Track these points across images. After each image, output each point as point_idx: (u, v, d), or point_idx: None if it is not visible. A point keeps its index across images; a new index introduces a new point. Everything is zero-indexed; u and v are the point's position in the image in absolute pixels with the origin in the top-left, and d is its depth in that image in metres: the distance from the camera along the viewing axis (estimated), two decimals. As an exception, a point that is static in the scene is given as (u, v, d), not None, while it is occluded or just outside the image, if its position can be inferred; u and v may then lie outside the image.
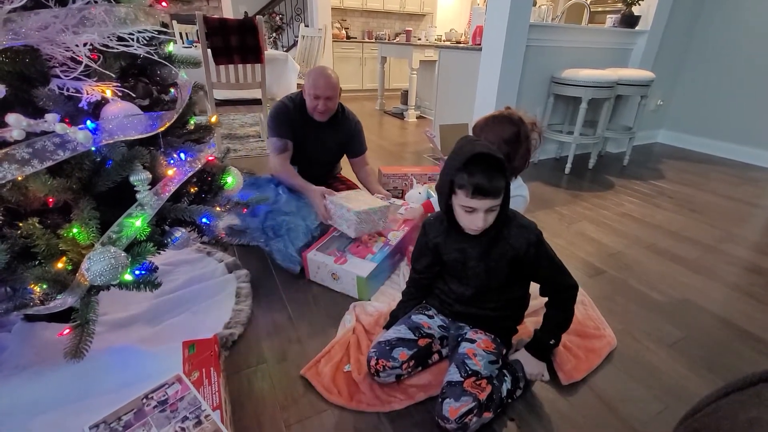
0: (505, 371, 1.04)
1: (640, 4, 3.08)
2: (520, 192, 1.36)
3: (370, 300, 1.44)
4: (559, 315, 1.06)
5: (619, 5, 3.27)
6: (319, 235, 1.60)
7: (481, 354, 1.00)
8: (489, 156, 0.87)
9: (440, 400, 0.93)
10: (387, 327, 1.20)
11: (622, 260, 1.78)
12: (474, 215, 0.92)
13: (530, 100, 2.99)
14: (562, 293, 1.04)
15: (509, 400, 1.02)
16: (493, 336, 1.07)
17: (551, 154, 3.34)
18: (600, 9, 4.65)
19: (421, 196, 2.02)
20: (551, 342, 1.06)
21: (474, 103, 3.00)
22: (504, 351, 1.08)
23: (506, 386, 1.01)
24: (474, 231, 0.95)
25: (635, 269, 1.71)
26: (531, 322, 1.31)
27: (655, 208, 2.38)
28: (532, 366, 1.07)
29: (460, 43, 4.51)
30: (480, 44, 2.95)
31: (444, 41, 4.82)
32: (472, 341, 1.04)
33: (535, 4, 2.86)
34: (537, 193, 2.54)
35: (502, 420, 1.00)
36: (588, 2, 3.53)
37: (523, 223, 1.00)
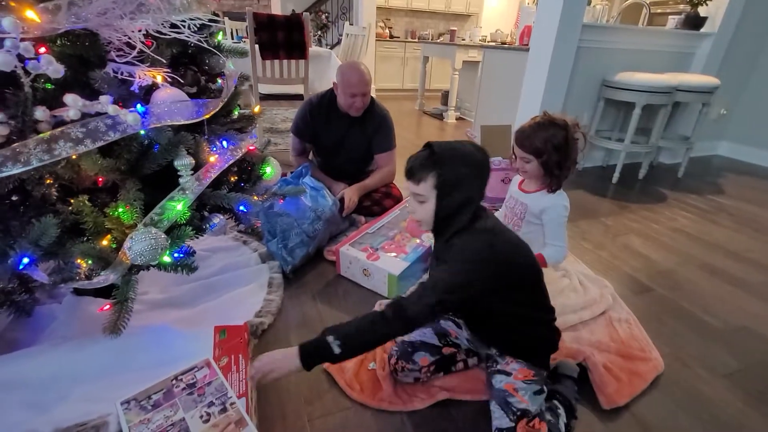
0: (555, 401, 0.94)
1: (707, 5, 2.85)
2: (561, 201, 1.29)
3: None
4: (366, 324, 0.84)
5: (682, 6, 3.05)
6: (314, 237, 1.58)
7: (522, 387, 0.90)
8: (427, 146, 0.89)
9: None
10: None
11: (672, 278, 1.65)
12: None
13: (578, 104, 2.85)
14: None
15: None
16: (528, 362, 0.94)
17: (598, 161, 3.16)
18: (660, 11, 4.37)
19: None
20: (324, 339, 0.82)
21: (517, 105, 2.90)
22: (545, 374, 0.97)
23: (563, 420, 0.91)
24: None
25: (687, 289, 1.58)
26: (571, 338, 1.24)
27: (712, 225, 2.19)
28: None
29: (505, 43, 4.38)
30: (527, 45, 2.85)
31: (489, 42, 4.71)
32: (508, 374, 0.93)
33: (589, 3, 2.73)
34: (581, 202, 2.41)
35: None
36: (647, 2, 3.32)
37: (471, 234, 0.87)
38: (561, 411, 0.93)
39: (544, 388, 0.93)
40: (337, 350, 0.81)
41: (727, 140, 3.60)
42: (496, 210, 1.55)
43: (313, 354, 0.83)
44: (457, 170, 0.85)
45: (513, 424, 0.85)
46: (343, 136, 1.89)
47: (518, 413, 0.86)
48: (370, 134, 1.91)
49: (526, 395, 0.88)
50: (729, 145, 3.60)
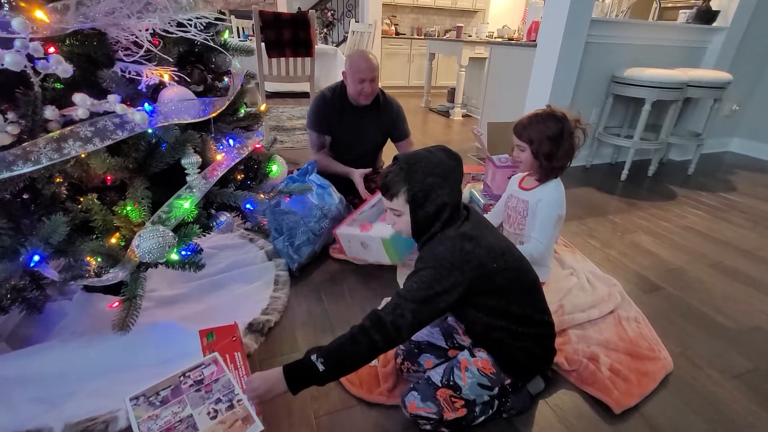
0: (496, 400, 0.94)
1: (720, -2, 2.80)
2: (542, 196, 1.30)
3: (402, 262, 1.48)
4: (346, 337, 0.81)
5: (693, 0, 3.00)
6: (320, 235, 1.59)
7: (473, 372, 0.91)
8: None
9: (411, 385, 0.91)
10: None
11: (682, 277, 1.63)
12: None
13: (587, 100, 2.81)
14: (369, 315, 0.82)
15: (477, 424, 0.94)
16: (493, 359, 0.93)
17: (606, 158, 3.13)
18: (670, 5, 4.30)
19: (464, 195, 1.96)
20: (308, 358, 0.80)
21: (525, 102, 2.88)
22: (507, 382, 0.94)
23: (484, 416, 0.93)
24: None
25: (697, 288, 1.56)
26: (579, 337, 1.23)
27: (724, 222, 2.16)
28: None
29: (513, 40, 4.35)
30: (535, 41, 2.82)
31: (496, 38, 4.67)
32: (472, 355, 0.94)
33: (598, -2, 2.69)
34: (589, 199, 2.39)
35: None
36: (658, -3, 3.27)
37: (439, 240, 0.87)
38: (491, 411, 0.93)
39: (495, 389, 0.92)
40: (321, 367, 0.78)
41: (739, 136, 3.54)
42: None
43: (297, 375, 0.79)
44: (426, 182, 0.85)
45: (439, 385, 0.89)
46: (357, 127, 1.91)
47: (450, 383, 0.89)
48: (387, 124, 1.94)
49: (470, 380, 0.90)
50: (741, 142, 3.54)
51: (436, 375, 0.92)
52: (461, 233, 0.86)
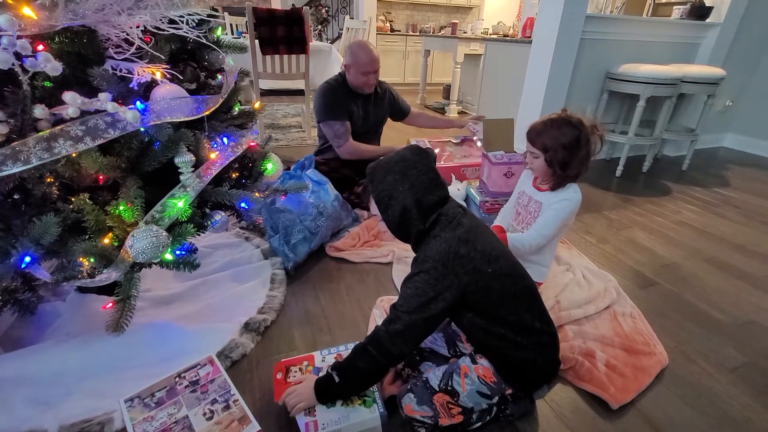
0: (496, 407, 0.91)
1: (713, -6, 2.81)
2: (565, 197, 1.26)
3: None
4: (352, 352, 0.86)
5: (688, -4, 3.01)
6: (317, 233, 1.58)
7: (473, 379, 0.88)
8: None
9: (408, 386, 0.89)
10: None
11: (677, 272, 1.64)
12: None
13: (582, 97, 2.82)
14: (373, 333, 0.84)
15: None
16: (495, 368, 0.89)
17: (601, 154, 3.13)
18: (664, 1, 4.31)
19: (460, 192, 1.96)
20: (329, 371, 0.87)
21: (520, 98, 2.88)
22: (508, 392, 0.90)
23: (481, 422, 0.91)
24: None
25: (692, 283, 1.57)
26: (575, 333, 1.23)
27: (718, 218, 2.17)
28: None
29: (508, 36, 4.35)
30: (530, 37, 2.82)
31: (491, 34, 4.67)
32: (474, 362, 0.91)
33: (593, -6, 2.69)
34: (584, 196, 2.35)
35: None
36: (652, -7, 3.27)
37: (428, 243, 0.87)
38: (488, 418, 0.91)
39: (494, 398, 0.89)
40: (336, 379, 0.84)
41: (732, 132, 3.56)
42: (500, 206, 1.54)
43: (322, 385, 0.86)
44: (385, 182, 0.87)
45: (436, 390, 0.87)
46: (369, 112, 2.00)
47: (448, 389, 0.87)
48: (389, 102, 2.11)
49: (469, 387, 0.87)
50: (735, 137, 3.56)
51: (435, 378, 0.89)
52: (457, 236, 0.84)
